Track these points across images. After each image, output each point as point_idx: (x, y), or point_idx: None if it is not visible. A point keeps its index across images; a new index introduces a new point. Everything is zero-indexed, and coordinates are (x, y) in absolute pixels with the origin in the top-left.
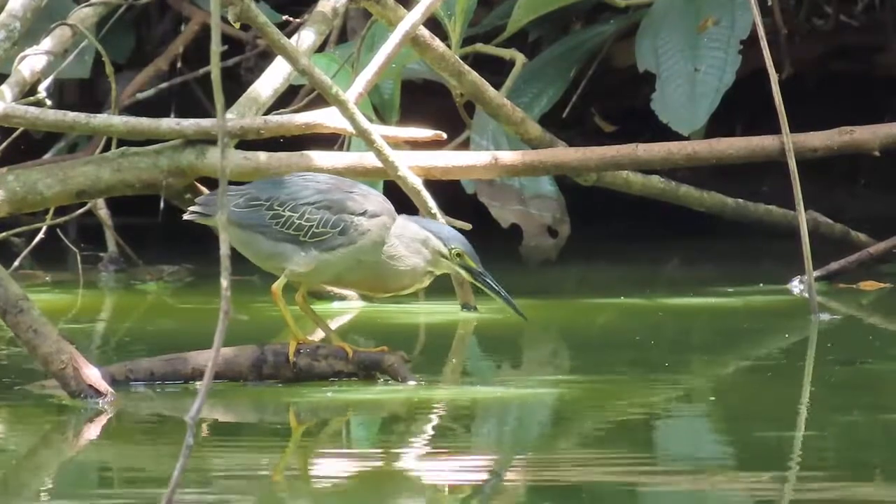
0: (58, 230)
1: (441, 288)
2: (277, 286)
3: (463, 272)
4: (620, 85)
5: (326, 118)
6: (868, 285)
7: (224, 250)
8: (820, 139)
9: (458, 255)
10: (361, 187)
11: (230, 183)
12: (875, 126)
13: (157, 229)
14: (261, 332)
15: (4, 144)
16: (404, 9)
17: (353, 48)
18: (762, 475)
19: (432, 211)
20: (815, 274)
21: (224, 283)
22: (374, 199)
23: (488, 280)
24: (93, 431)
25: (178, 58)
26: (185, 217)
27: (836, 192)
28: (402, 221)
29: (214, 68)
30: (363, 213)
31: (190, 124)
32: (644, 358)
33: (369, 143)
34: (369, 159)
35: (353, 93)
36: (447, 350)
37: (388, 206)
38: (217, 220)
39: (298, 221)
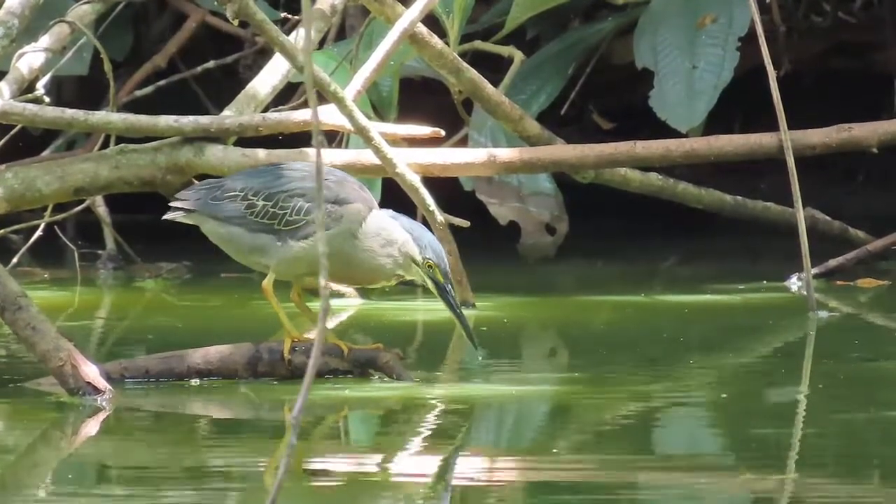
0: (56, 227)
1: None
2: (267, 282)
3: (429, 282)
4: (618, 82)
5: (325, 115)
6: (866, 282)
7: None
8: (818, 136)
9: (430, 266)
10: (337, 174)
11: (212, 176)
12: (873, 123)
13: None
14: (257, 329)
15: (3, 141)
16: (402, 6)
17: (352, 45)
18: (761, 473)
19: (430, 208)
20: (814, 271)
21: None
22: (349, 187)
23: (450, 299)
24: (91, 428)
25: (176, 55)
26: (165, 217)
27: (834, 189)
28: (385, 217)
29: None
30: (335, 201)
31: (188, 122)
32: (642, 355)
33: (367, 141)
34: (367, 156)
35: (351, 90)
36: (445, 348)
37: (366, 194)
38: (198, 218)
39: (273, 210)
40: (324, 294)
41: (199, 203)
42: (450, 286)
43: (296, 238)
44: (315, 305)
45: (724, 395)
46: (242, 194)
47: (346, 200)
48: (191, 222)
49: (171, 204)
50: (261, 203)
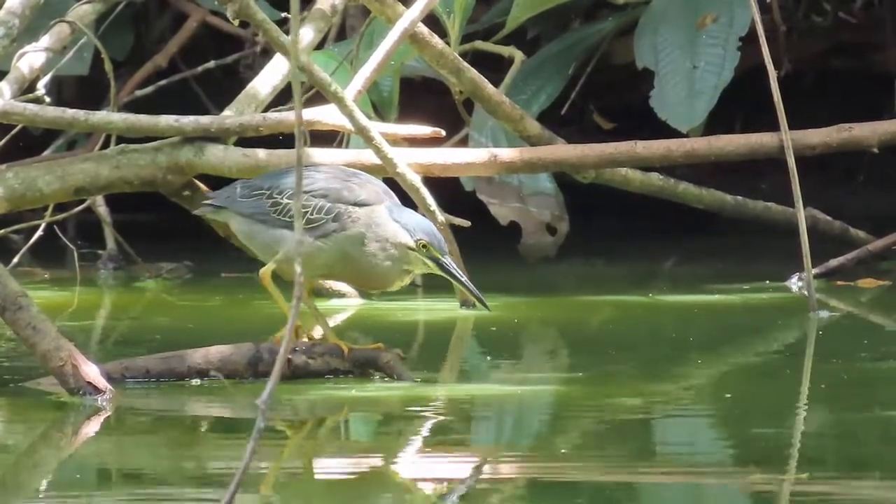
0: (56, 227)
1: (440, 285)
2: (266, 270)
3: (430, 264)
4: (619, 82)
5: (325, 115)
6: (867, 283)
7: None
8: (819, 136)
9: (424, 246)
10: (361, 176)
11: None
12: (874, 123)
13: (157, 226)
14: (258, 329)
15: (3, 141)
16: (403, 6)
17: (352, 45)
18: (761, 473)
19: (431, 208)
20: (814, 271)
21: None
22: (370, 188)
23: (451, 270)
24: (91, 428)
25: (177, 55)
26: (195, 212)
27: (834, 189)
28: (381, 215)
29: None
30: (356, 203)
31: (189, 121)
32: (643, 355)
33: (368, 141)
34: (368, 156)
35: (351, 90)
36: (446, 347)
37: (388, 198)
38: (226, 214)
39: None
40: (298, 282)
41: (228, 200)
42: (447, 258)
43: (314, 236)
44: (319, 305)
45: (724, 395)
46: (269, 192)
47: (367, 203)
48: (220, 219)
49: (203, 201)
50: (284, 201)
